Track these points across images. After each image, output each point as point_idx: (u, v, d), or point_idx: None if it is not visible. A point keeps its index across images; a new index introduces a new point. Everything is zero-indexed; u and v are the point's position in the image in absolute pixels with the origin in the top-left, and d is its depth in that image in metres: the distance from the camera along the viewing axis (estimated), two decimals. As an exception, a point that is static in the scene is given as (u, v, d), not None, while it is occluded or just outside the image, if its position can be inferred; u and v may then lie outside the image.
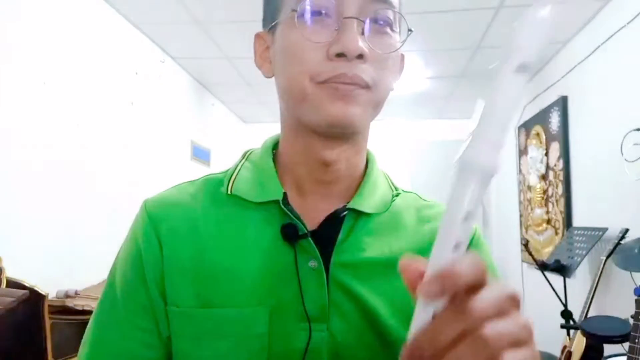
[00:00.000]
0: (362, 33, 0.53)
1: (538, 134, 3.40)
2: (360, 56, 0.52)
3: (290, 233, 0.57)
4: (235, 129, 4.88)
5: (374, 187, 0.63)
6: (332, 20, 0.53)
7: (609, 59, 2.44)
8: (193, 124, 3.74)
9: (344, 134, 0.56)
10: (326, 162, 0.58)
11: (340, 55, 0.52)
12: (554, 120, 3.11)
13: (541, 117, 3.34)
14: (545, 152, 3.28)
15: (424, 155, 4.91)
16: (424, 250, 0.60)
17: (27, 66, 1.95)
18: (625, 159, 2.14)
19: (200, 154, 3.83)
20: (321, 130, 0.55)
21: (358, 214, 0.60)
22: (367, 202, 0.60)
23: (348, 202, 0.60)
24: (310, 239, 0.57)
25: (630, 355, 1.53)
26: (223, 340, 0.55)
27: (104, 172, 2.49)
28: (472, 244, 0.64)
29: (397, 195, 0.65)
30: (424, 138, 4.95)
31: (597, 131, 2.58)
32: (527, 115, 3.65)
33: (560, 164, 3.00)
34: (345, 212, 0.59)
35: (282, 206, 0.58)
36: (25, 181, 1.94)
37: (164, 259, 0.58)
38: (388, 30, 0.55)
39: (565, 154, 2.94)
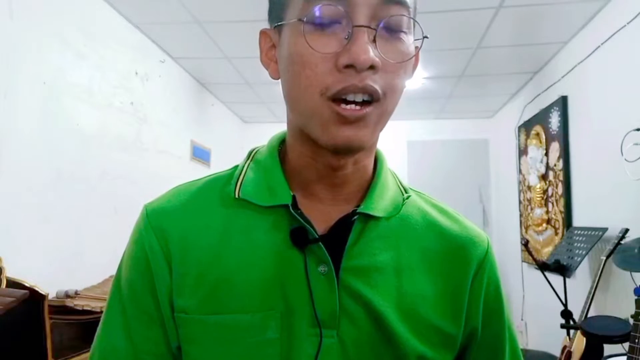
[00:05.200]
0: (374, 40, 0.49)
1: (538, 134, 3.40)
2: (372, 67, 0.49)
3: (300, 237, 0.55)
4: (235, 129, 4.88)
5: (384, 189, 0.61)
6: (342, 28, 0.49)
7: (609, 59, 2.44)
8: (193, 124, 3.74)
9: (351, 153, 0.55)
10: (334, 167, 0.57)
11: (350, 66, 0.48)
12: (554, 120, 3.11)
13: (541, 117, 3.34)
14: (545, 152, 3.28)
15: (424, 155, 4.91)
16: (430, 254, 0.60)
17: (27, 66, 1.95)
18: (625, 159, 2.14)
19: (200, 154, 3.83)
20: (328, 149, 0.53)
21: (368, 217, 0.58)
22: (377, 206, 0.58)
23: (358, 205, 0.58)
24: (320, 243, 0.55)
25: (630, 355, 1.53)
26: (235, 347, 0.54)
27: (104, 172, 2.49)
28: (486, 270, 0.62)
29: (407, 198, 0.63)
30: (423, 138, 4.95)
31: (597, 131, 2.57)
32: (527, 115, 3.65)
33: (560, 164, 3.00)
34: (355, 217, 0.57)
35: (292, 210, 0.56)
36: (25, 181, 1.94)
37: (172, 270, 0.57)
38: (401, 35, 0.52)
39: (565, 154, 2.94)
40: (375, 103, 0.51)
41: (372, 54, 0.48)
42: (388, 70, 0.51)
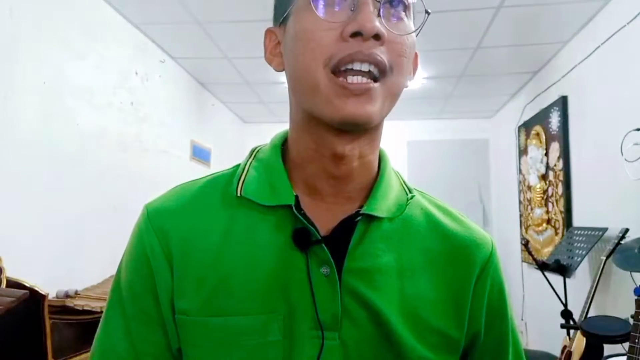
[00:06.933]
0: (379, 15, 0.51)
1: (538, 134, 3.40)
2: (377, 37, 0.50)
3: (303, 239, 0.55)
4: (235, 129, 4.88)
5: (388, 189, 0.60)
6: (348, 2, 0.51)
7: (609, 59, 2.44)
8: (193, 124, 3.74)
9: (358, 129, 0.54)
10: (338, 155, 0.55)
11: (356, 34, 0.49)
12: (554, 120, 3.11)
13: (541, 117, 3.34)
14: (545, 152, 3.28)
15: (424, 155, 4.91)
16: (434, 256, 0.59)
17: (27, 66, 1.95)
18: (625, 159, 2.14)
19: (200, 154, 3.83)
20: (334, 125, 0.52)
21: (371, 218, 0.57)
22: (381, 206, 0.57)
23: (361, 205, 0.57)
24: (323, 245, 0.54)
25: (630, 355, 1.53)
26: (236, 349, 0.54)
27: (104, 172, 2.49)
28: (489, 274, 0.62)
29: (411, 198, 0.62)
30: (423, 138, 4.95)
31: (597, 131, 2.58)
32: (527, 115, 3.65)
33: (560, 164, 3.00)
34: (358, 218, 0.56)
35: (295, 211, 0.55)
36: (25, 181, 1.94)
37: (173, 272, 0.56)
38: (403, 14, 0.54)
39: (565, 154, 2.94)
40: (381, 79, 0.51)
41: (377, 23, 0.50)
42: (392, 41, 0.52)
